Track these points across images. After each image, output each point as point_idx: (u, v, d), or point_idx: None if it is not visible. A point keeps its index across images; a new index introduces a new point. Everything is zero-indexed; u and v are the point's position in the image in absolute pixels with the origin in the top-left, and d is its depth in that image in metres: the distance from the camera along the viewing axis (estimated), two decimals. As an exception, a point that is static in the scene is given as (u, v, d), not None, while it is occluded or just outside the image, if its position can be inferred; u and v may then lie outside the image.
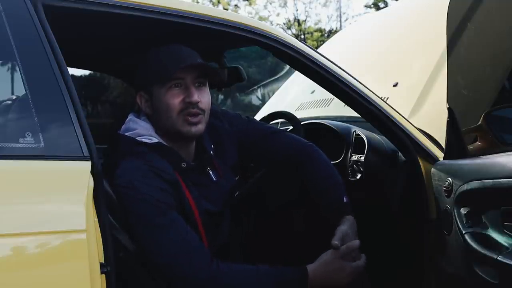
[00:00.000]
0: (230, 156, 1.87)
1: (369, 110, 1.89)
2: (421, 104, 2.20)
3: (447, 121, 1.79)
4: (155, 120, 1.70)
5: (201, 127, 1.69)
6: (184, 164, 1.68)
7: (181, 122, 1.67)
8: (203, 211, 1.69)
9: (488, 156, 1.75)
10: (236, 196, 1.86)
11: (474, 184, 1.62)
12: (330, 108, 2.92)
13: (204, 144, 1.78)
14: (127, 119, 1.73)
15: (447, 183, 1.72)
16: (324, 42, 7.10)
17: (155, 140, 1.66)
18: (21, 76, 1.31)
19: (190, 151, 1.76)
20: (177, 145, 1.71)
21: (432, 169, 1.83)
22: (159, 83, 1.67)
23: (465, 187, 1.65)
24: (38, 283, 1.20)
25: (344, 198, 1.84)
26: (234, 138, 1.89)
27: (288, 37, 1.85)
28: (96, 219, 1.28)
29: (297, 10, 26.50)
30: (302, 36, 20.06)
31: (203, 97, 1.69)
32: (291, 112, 2.65)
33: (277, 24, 20.61)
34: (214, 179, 1.78)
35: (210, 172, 1.78)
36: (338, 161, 2.38)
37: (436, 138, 1.90)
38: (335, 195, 1.85)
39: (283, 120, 2.68)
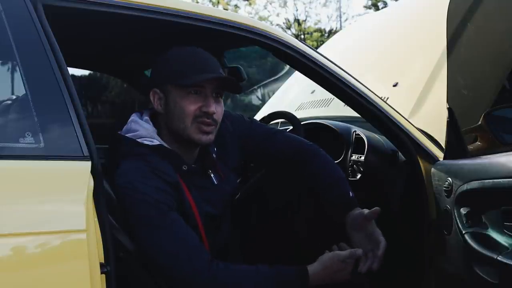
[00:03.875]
0: (233, 157, 1.86)
1: (369, 110, 1.89)
2: (421, 104, 2.20)
3: (447, 121, 1.79)
4: (166, 120, 1.69)
5: (211, 137, 1.69)
6: (185, 167, 1.67)
7: (193, 129, 1.66)
8: (204, 214, 1.68)
9: (488, 156, 1.75)
10: (237, 198, 1.86)
11: (474, 184, 1.62)
12: (330, 108, 2.92)
13: (208, 147, 1.77)
14: (129, 119, 1.72)
15: (447, 183, 1.72)
16: (324, 42, 7.09)
17: (156, 142, 1.65)
18: (21, 76, 1.31)
19: (193, 154, 1.75)
20: (181, 147, 1.70)
21: (432, 169, 1.83)
22: (179, 86, 1.65)
23: (465, 187, 1.65)
24: (38, 283, 1.20)
25: (350, 193, 1.84)
26: (237, 139, 1.88)
27: (288, 37, 1.85)
28: (96, 219, 1.28)
29: (297, 10, 26.60)
30: (302, 36, 20.05)
31: (219, 108, 1.68)
32: (291, 112, 2.65)
33: (277, 24, 20.63)
34: (216, 182, 1.77)
35: (212, 175, 1.78)
36: (338, 161, 2.38)
37: (436, 138, 1.90)
38: (341, 190, 1.84)
39: (283, 120, 2.68)
